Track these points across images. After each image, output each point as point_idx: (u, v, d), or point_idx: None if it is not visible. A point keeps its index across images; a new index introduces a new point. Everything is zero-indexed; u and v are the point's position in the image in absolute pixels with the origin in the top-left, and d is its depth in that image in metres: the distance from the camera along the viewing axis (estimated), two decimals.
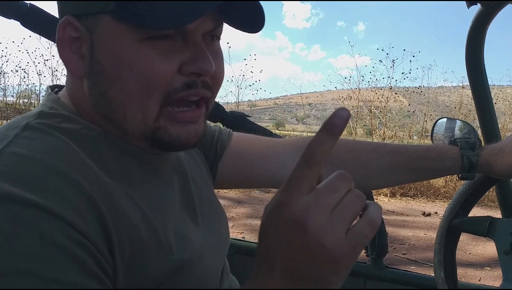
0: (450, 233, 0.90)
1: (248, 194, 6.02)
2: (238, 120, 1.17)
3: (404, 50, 10.23)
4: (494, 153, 0.74)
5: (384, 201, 6.35)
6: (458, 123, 1.09)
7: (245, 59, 9.44)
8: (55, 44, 0.53)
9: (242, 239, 1.98)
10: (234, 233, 4.01)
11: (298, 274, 0.37)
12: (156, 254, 0.49)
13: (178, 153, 0.64)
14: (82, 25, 0.50)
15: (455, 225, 0.89)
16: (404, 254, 4.04)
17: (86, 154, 0.49)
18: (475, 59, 0.92)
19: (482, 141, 0.98)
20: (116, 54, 0.49)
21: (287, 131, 12.50)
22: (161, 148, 0.54)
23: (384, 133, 8.77)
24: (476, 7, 0.85)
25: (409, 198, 6.62)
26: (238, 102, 9.88)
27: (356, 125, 9.07)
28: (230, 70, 9.78)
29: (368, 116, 9.00)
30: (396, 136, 8.98)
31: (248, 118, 1.19)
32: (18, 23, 0.92)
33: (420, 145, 0.81)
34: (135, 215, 0.49)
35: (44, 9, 0.93)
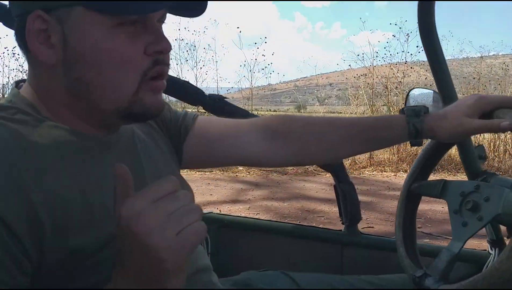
0: (409, 197, 0.95)
1: (266, 177, 6.10)
2: (217, 103, 1.22)
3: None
4: (438, 118, 0.77)
5: (391, 176, 6.30)
6: (430, 92, 1.13)
7: (266, 42, 9.37)
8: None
9: (225, 214, 2.08)
10: (251, 214, 4.11)
11: (135, 275, 0.44)
12: (88, 225, 0.54)
13: (132, 134, 0.69)
14: (51, 17, 0.55)
15: (414, 189, 0.94)
16: (419, 227, 4.05)
17: (31, 142, 0.54)
18: (428, 28, 0.94)
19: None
20: (92, 40, 0.55)
21: (309, 113, 12.32)
22: (134, 120, 0.63)
23: None
24: None
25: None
26: (252, 87, 9.79)
27: (375, 102, 8.92)
28: (242, 55, 9.65)
29: (385, 92, 8.86)
30: None
31: (226, 99, 1.25)
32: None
33: (371, 117, 0.85)
34: (70, 191, 0.54)
35: None
